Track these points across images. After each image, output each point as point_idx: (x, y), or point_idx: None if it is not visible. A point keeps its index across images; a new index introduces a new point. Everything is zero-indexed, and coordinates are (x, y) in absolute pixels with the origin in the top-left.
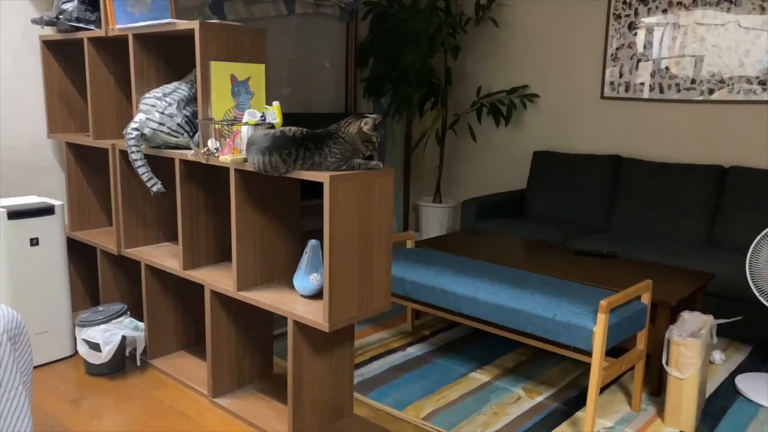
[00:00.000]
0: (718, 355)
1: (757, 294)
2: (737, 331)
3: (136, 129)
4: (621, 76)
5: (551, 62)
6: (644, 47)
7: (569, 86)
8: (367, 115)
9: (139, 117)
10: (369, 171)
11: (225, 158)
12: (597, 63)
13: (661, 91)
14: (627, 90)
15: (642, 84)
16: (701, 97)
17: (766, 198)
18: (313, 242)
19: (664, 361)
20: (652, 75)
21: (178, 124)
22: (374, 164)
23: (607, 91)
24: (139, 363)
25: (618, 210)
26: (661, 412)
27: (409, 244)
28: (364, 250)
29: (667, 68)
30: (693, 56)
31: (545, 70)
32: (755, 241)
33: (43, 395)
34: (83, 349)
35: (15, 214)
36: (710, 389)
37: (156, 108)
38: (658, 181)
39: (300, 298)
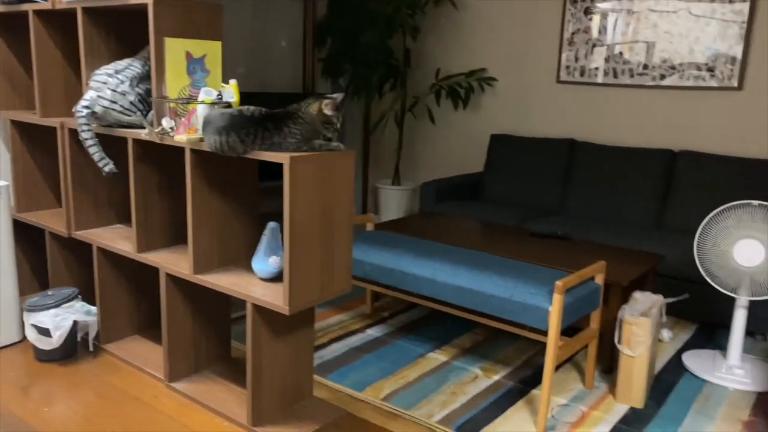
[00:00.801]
0: (666, 333)
1: (704, 274)
2: (684, 310)
3: (87, 107)
4: (576, 60)
5: (509, 46)
6: (599, 32)
7: (526, 70)
8: (328, 95)
9: (89, 94)
10: (330, 152)
11: (180, 138)
12: (553, 47)
13: (615, 76)
14: (582, 74)
15: (596, 69)
16: (653, 83)
17: (714, 182)
18: (272, 224)
19: (616, 340)
20: (607, 60)
21: (131, 102)
22: (335, 145)
23: (563, 76)
24: (91, 348)
25: (573, 193)
26: (612, 388)
27: (369, 227)
28: (325, 233)
29: (620, 53)
30: (646, 42)
31: (503, 54)
32: (703, 224)
33: None
34: (32, 335)
35: None
36: (659, 366)
37: (107, 85)
38: (611, 164)
39: (259, 281)
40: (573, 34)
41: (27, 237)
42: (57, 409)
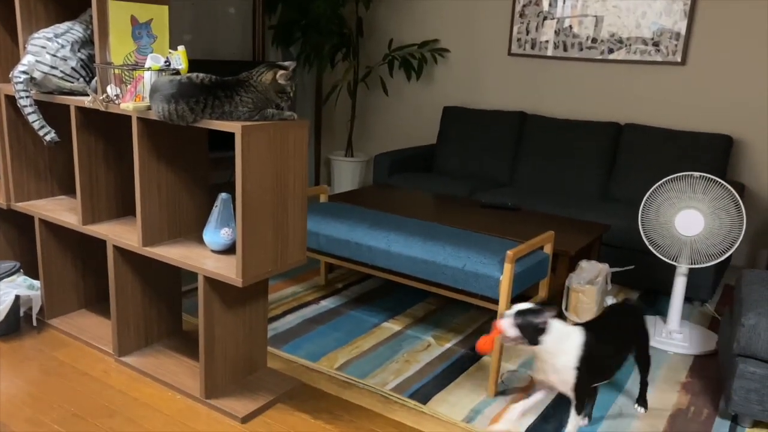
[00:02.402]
0: (611, 301)
1: (647, 243)
2: (627, 278)
3: (24, 72)
4: (527, 33)
5: (461, 17)
6: (549, 5)
7: (478, 42)
8: (281, 63)
9: (27, 59)
10: (283, 122)
11: (127, 106)
12: (505, 20)
13: (565, 49)
14: (533, 47)
15: (547, 42)
16: (601, 57)
17: (657, 154)
18: (223, 195)
19: (563, 307)
20: (557, 33)
21: (72, 68)
22: (288, 114)
23: (514, 48)
24: (35, 323)
25: (522, 165)
26: None
27: (323, 198)
28: (279, 204)
29: (570, 27)
30: (594, 16)
31: (455, 25)
32: (647, 195)
33: None
34: None
35: None
36: None
37: (47, 50)
38: (559, 137)
39: (210, 254)
40: (524, 6)
41: None
42: (1, 385)
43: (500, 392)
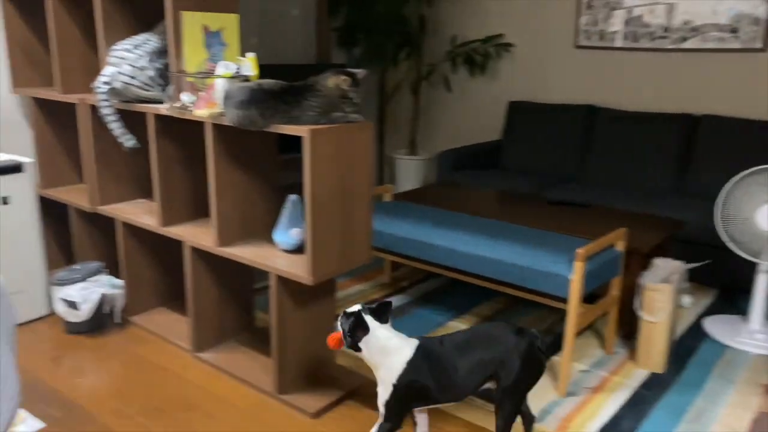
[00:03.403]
0: (686, 299)
1: (726, 240)
2: (704, 275)
3: (106, 83)
4: (595, 24)
5: (526, 10)
6: None
7: (544, 35)
8: (350, 70)
9: (108, 70)
10: (348, 124)
11: (201, 112)
12: (571, 11)
13: (635, 39)
14: (601, 39)
15: (615, 32)
16: (674, 46)
17: (735, 146)
18: (293, 197)
19: (636, 306)
20: (626, 23)
21: (150, 77)
22: (354, 117)
23: (581, 40)
24: (118, 320)
25: (591, 159)
26: (633, 354)
27: (387, 197)
28: (345, 204)
29: (640, 16)
30: (666, 3)
31: (520, 19)
32: (726, 189)
33: (23, 354)
34: (61, 308)
35: None
36: (679, 332)
37: (126, 60)
38: (630, 130)
39: (281, 253)
40: None
41: (52, 213)
42: (88, 379)
43: (571, 393)
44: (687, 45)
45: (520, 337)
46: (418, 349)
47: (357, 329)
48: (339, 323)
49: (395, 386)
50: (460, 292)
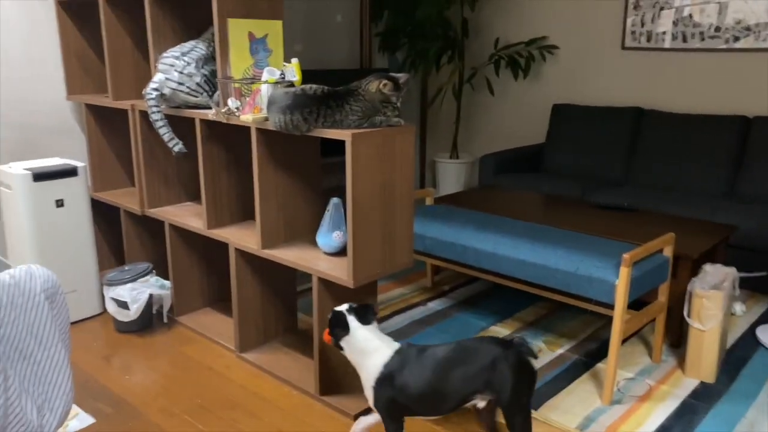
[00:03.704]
0: (738, 307)
1: None
2: (758, 282)
3: (156, 89)
4: (643, 25)
5: (570, 12)
6: None
7: (589, 37)
8: (393, 75)
9: (158, 77)
10: (390, 128)
11: (246, 118)
12: (618, 12)
13: (684, 39)
14: (649, 40)
15: (664, 33)
16: (725, 46)
17: None
18: (335, 200)
19: (685, 313)
20: (675, 23)
21: (198, 84)
22: (395, 121)
23: (628, 41)
24: (166, 320)
25: (638, 162)
26: (681, 363)
27: (428, 201)
28: (387, 207)
29: (690, 16)
30: (717, 2)
31: (564, 21)
32: None
33: (76, 352)
34: (112, 308)
35: (40, 176)
36: (731, 340)
37: (175, 67)
38: (680, 132)
39: (323, 256)
40: None
41: (103, 215)
42: (136, 377)
43: (616, 401)
44: (739, 45)
45: (506, 349)
46: (397, 353)
47: (337, 328)
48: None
49: (374, 389)
50: (503, 297)
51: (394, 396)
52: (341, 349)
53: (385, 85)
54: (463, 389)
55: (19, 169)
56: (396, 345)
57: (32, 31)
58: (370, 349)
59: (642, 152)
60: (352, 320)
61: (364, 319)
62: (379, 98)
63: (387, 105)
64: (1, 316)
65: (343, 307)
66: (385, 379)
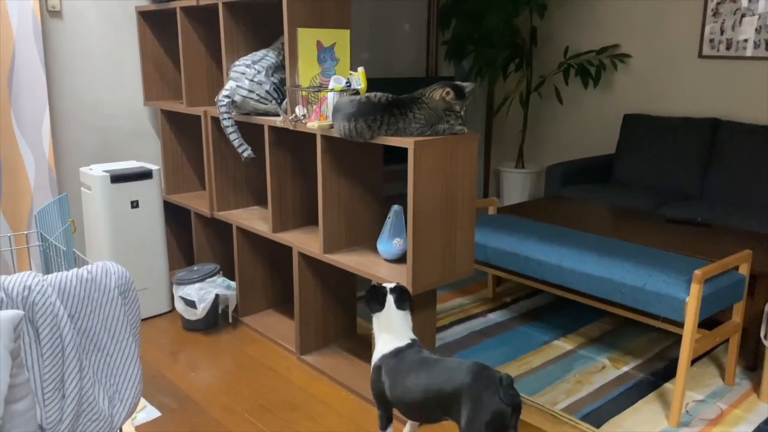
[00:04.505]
0: None
1: None
2: None
3: (227, 96)
4: (722, 32)
5: (644, 20)
6: (749, 0)
7: (664, 45)
8: (459, 84)
9: (229, 84)
10: (453, 136)
11: (312, 125)
12: (696, 19)
13: (767, 48)
14: (728, 48)
15: (746, 41)
16: None
17: None
18: (396, 207)
19: (762, 335)
20: (758, 31)
21: (267, 91)
22: (459, 129)
23: (706, 50)
24: (231, 320)
25: (714, 176)
26: (756, 387)
27: (491, 210)
28: (448, 216)
29: None
30: None
31: (638, 29)
32: None
33: (145, 347)
34: (180, 306)
35: (117, 177)
36: None
37: (246, 75)
38: (758, 144)
39: (383, 262)
40: (718, 4)
41: (174, 217)
42: (200, 374)
43: (684, 423)
44: None
45: (476, 382)
46: (398, 349)
47: (374, 302)
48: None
49: (371, 371)
50: (567, 311)
51: (380, 386)
52: (371, 320)
53: (448, 93)
54: (425, 405)
55: (99, 171)
56: (405, 341)
57: (113, 38)
58: (387, 333)
59: (718, 165)
60: (390, 300)
61: (401, 304)
62: (442, 106)
63: (450, 113)
64: (78, 309)
65: (387, 285)
66: (377, 369)
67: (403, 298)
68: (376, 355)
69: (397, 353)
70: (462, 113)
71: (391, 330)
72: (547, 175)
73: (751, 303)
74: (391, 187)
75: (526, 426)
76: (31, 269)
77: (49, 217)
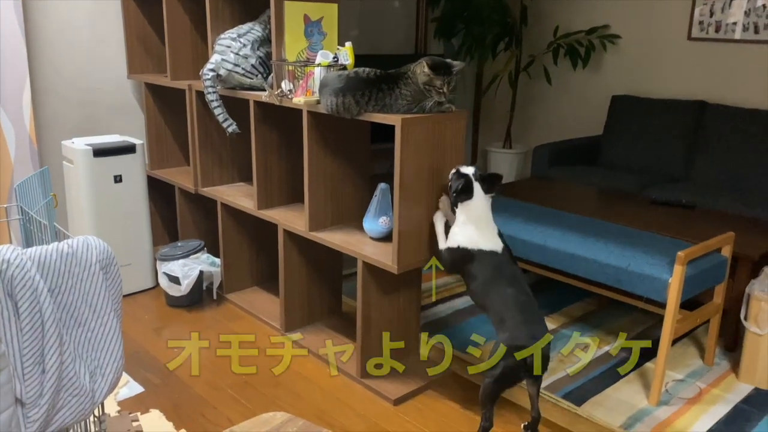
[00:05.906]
0: None
1: None
2: None
3: (212, 70)
4: (711, 15)
5: (635, 1)
6: None
7: (653, 27)
8: (437, 58)
9: (214, 58)
10: (441, 114)
11: (298, 100)
12: (685, 1)
13: (756, 31)
14: (717, 30)
15: (734, 24)
16: None
17: None
18: (382, 185)
19: (742, 316)
20: (747, 14)
21: (252, 65)
22: (447, 107)
23: (695, 32)
24: (215, 297)
25: (700, 158)
26: (735, 367)
27: None
28: (435, 195)
29: (764, 6)
30: None
31: (628, 10)
32: None
33: (128, 323)
34: (164, 282)
35: (100, 151)
36: None
37: (231, 49)
38: (745, 128)
39: (369, 240)
40: None
41: (158, 192)
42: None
43: (664, 402)
44: None
45: (533, 336)
46: (495, 251)
47: (462, 194)
48: (450, 179)
49: (447, 249)
50: (551, 291)
51: (458, 263)
52: (453, 211)
53: (420, 64)
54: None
55: (81, 144)
56: (500, 245)
57: (96, 11)
58: (475, 225)
59: (704, 147)
60: (477, 188)
61: (490, 188)
62: (422, 80)
63: (431, 88)
64: (58, 283)
65: (470, 170)
66: (466, 251)
67: (492, 181)
68: (467, 240)
69: (494, 257)
70: (443, 90)
71: (480, 221)
72: (534, 155)
73: (733, 285)
74: (379, 165)
75: (509, 404)
76: (11, 243)
77: (30, 191)
